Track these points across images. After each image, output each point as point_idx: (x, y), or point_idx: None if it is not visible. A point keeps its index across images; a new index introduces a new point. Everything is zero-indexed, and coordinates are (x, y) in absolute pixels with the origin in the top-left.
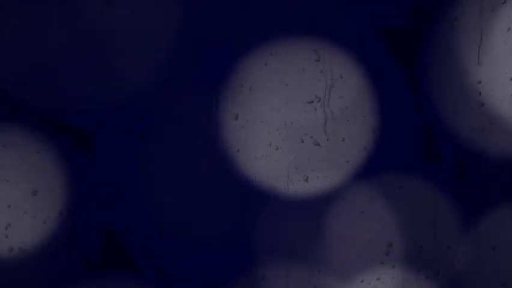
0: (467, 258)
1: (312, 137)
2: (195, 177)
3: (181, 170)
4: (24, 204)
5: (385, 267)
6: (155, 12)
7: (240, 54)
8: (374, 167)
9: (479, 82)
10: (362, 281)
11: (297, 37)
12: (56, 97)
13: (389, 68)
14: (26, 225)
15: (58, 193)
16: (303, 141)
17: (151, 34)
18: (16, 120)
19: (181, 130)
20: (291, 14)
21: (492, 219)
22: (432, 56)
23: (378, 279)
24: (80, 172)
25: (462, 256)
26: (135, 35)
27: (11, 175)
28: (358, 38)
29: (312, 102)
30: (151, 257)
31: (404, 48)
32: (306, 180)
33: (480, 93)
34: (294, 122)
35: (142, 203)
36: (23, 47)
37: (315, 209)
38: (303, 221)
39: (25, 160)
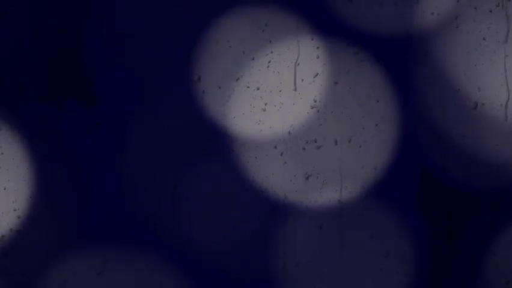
0: (468, 259)
1: (314, 140)
2: (196, 178)
3: (182, 171)
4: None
5: (384, 272)
6: (156, 15)
7: (242, 54)
8: (373, 169)
9: (478, 87)
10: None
11: (297, 37)
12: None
13: (390, 69)
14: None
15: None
16: (304, 147)
17: (155, 35)
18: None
19: (183, 130)
20: (292, 13)
21: (492, 220)
22: (431, 60)
23: (377, 283)
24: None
25: (462, 256)
26: (139, 35)
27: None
28: (359, 40)
29: (314, 107)
30: (150, 254)
31: (404, 51)
32: (307, 179)
33: (478, 99)
34: (296, 124)
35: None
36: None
37: (314, 209)
38: (302, 222)
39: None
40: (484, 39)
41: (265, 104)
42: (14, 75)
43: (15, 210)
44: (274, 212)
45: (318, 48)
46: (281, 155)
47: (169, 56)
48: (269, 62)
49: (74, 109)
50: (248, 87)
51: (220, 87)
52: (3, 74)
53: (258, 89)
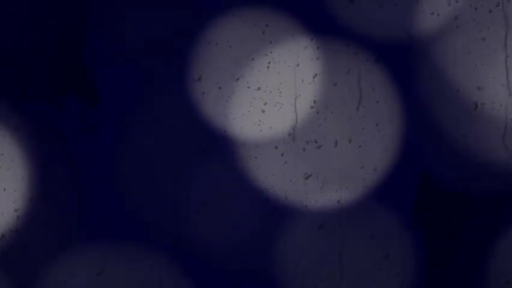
0: (468, 259)
1: (315, 141)
2: (196, 178)
3: (182, 171)
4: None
5: (384, 273)
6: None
7: (242, 54)
8: (373, 169)
9: (478, 87)
10: None
11: (297, 38)
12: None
13: (390, 69)
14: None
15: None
16: (304, 148)
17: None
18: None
19: (183, 130)
20: (291, 14)
21: (492, 221)
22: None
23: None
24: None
25: (462, 256)
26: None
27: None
28: (359, 40)
29: (313, 107)
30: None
31: (406, 52)
32: (307, 179)
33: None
34: (296, 125)
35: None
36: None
37: (314, 209)
38: (302, 222)
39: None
40: (484, 39)
41: (265, 104)
42: (14, 75)
43: (15, 210)
44: (274, 212)
45: (317, 48)
46: (281, 155)
47: (170, 56)
48: (269, 62)
49: (74, 109)
50: (248, 87)
51: (220, 88)
52: (3, 74)
53: (259, 89)
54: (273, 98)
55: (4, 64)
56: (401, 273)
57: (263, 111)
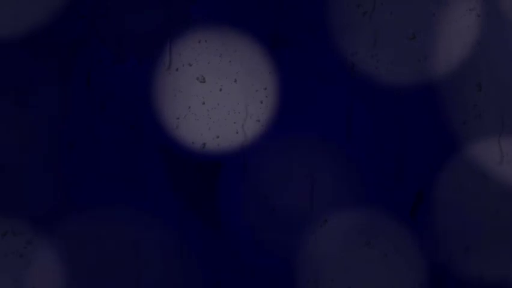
0: (470, 258)
1: (316, 141)
2: (196, 177)
3: (183, 169)
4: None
5: (382, 275)
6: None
7: (244, 56)
8: (374, 171)
9: (480, 88)
10: None
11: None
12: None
13: (389, 73)
14: None
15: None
16: (306, 148)
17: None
18: None
19: (186, 130)
20: (291, 16)
21: (492, 217)
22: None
23: None
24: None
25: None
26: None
27: None
28: (357, 45)
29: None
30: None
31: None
32: (308, 180)
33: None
34: (297, 125)
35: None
36: None
37: (315, 210)
38: (303, 223)
39: None
40: (480, 43)
41: (265, 104)
42: (14, 75)
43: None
44: (275, 212)
45: (317, 51)
46: (283, 155)
47: (170, 56)
48: (269, 64)
49: (75, 108)
50: (248, 88)
51: (221, 89)
52: (3, 73)
53: (265, 89)
54: (273, 99)
55: (4, 63)
56: (401, 273)
57: (263, 112)
